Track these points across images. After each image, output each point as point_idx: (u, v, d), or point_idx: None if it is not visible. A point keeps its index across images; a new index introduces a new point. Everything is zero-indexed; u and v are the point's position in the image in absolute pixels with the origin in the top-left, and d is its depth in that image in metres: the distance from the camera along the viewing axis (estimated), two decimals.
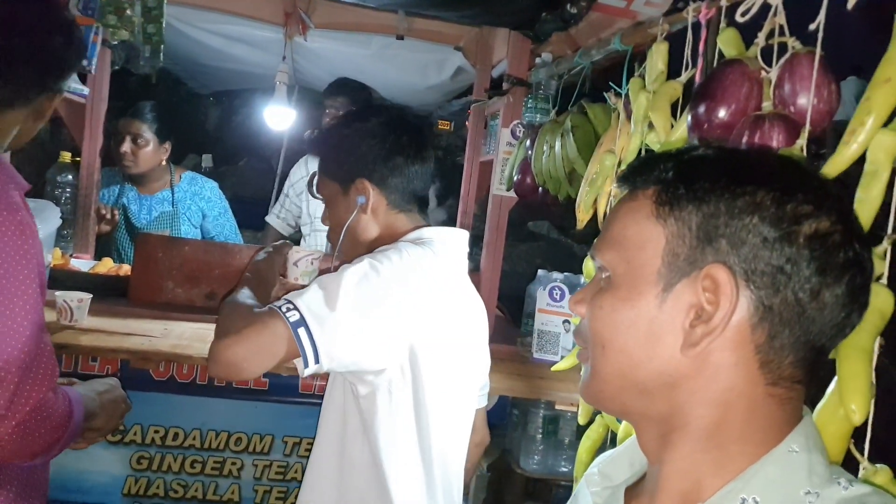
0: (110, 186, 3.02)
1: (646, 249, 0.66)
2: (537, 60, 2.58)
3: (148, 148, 2.87)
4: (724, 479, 0.64)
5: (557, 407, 2.09)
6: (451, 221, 2.49)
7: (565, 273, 2.53)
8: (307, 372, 1.19)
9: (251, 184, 5.54)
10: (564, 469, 2.49)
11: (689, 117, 1.19)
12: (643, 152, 1.56)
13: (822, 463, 0.63)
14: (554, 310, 2.36)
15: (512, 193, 2.45)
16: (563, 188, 1.99)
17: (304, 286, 1.54)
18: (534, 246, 5.31)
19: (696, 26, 1.40)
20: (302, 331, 1.16)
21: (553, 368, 1.77)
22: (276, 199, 4.18)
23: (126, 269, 2.56)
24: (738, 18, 1.15)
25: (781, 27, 1.12)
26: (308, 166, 3.31)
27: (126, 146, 2.84)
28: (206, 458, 2.33)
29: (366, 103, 3.28)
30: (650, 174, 0.68)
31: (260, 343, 1.16)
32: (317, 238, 3.20)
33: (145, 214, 3.00)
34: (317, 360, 1.18)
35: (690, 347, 0.63)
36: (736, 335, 0.62)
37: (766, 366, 0.63)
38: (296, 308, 1.18)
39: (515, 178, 2.32)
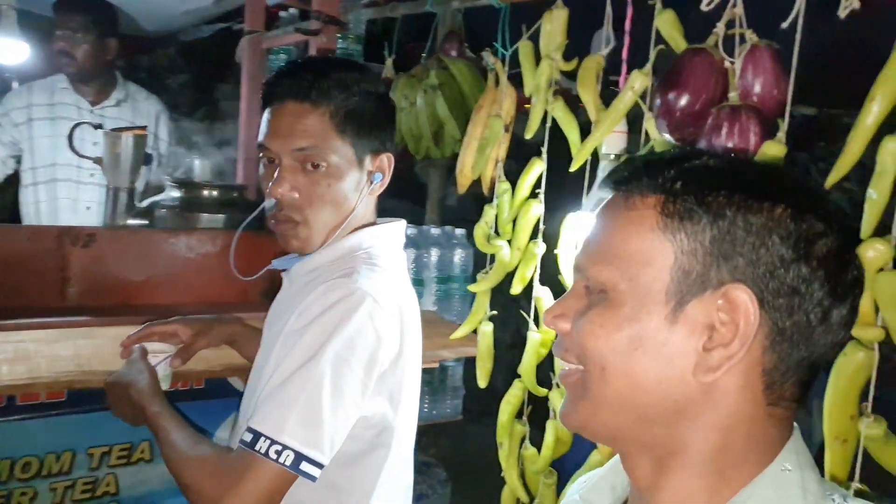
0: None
1: (652, 265, 0.61)
2: None
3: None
4: None
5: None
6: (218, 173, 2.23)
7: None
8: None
9: None
10: None
11: (658, 104, 1.22)
12: (549, 122, 1.56)
13: (815, 479, 0.62)
14: None
15: None
16: (423, 146, 1.91)
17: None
18: None
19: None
20: (305, 464, 1.03)
21: (452, 337, 1.75)
22: None
23: None
24: (703, 7, 1.18)
25: (738, 18, 1.19)
26: (32, 95, 2.67)
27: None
28: None
29: (112, 22, 2.72)
30: (650, 181, 0.63)
31: (265, 496, 1.03)
32: (39, 192, 2.66)
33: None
34: (320, 470, 1.06)
35: (707, 372, 0.60)
36: (748, 358, 0.60)
37: (770, 387, 0.61)
38: (286, 447, 1.03)
39: None
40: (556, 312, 0.68)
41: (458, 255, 2.45)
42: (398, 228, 1.26)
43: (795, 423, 0.65)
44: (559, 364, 0.68)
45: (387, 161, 1.18)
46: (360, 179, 1.16)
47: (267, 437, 1.03)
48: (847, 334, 0.62)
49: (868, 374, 1.07)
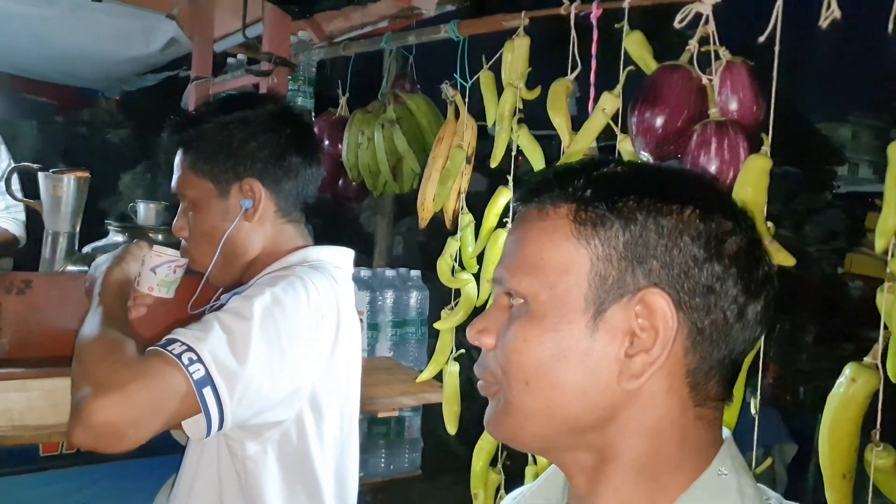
0: None
1: (570, 273, 0.61)
2: (293, 39, 2.34)
3: None
4: None
5: (380, 415, 1.95)
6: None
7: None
8: (206, 438, 0.99)
9: None
10: None
11: (635, 122, 1.17)
12: (514, 150, 1.51)
13: (751, 483, 0.62)
14: None
15: None
16: (381, 182, 1.84)
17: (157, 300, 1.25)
18: None
19: (566, 24, 1.39)
20: (208, 391, 0.95)
21: (418, 380, 1.64)
22: None
23: None
24: (676, 25, 1.16)
25: (712, 35, 1.17)
26: None
27: None
28: None
29: None
30: (561, 191, 0.63)
31: (155, 402, 0.93)
32: None
33: None
34: (221, 426, 0.98)
35: (631, 379, 0.59)
36: (671, 361, 0.60)
37: (695, 388, 0.61)
38: (200, 360, 0.95)
39: None
40: (479, 327, 0.66)
41: (414, 298, 2.36)
42: (345, 252, 1.27)
43: (727, 429, 0.65)
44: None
45: (255, 187, 1.18)
46: (227, 209, 1.18)
47: (183, 343, 0.95)
48: (763, 330, 0.62)
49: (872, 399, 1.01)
